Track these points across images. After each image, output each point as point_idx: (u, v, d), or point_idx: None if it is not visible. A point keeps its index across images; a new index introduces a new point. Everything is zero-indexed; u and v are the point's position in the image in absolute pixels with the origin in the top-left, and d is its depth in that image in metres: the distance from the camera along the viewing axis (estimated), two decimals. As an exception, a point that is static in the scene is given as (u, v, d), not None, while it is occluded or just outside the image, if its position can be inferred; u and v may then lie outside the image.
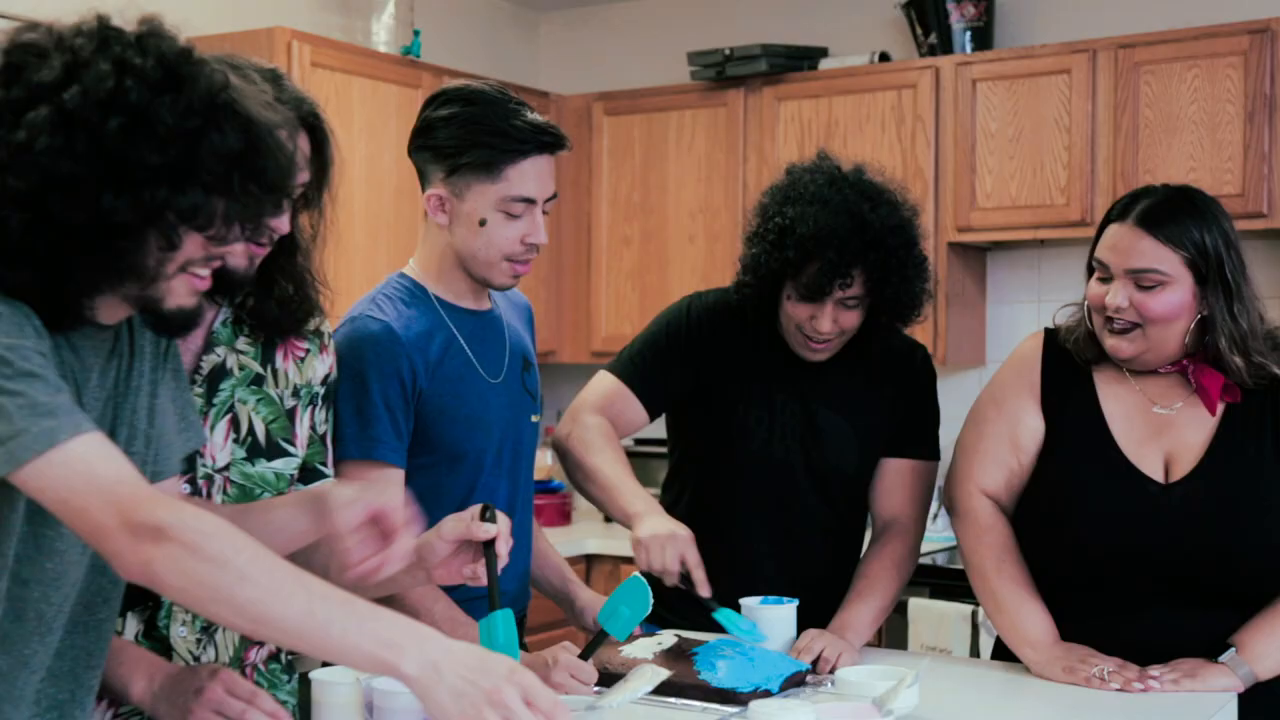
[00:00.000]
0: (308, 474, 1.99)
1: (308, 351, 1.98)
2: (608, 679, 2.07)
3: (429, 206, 2.17)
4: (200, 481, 1.84)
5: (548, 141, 2.13)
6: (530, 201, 2.13)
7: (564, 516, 4.81)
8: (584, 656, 1.96)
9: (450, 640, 1.42)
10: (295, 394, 1.95)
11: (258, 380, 1.91)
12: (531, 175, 2.12)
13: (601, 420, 2.49)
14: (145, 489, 1.39)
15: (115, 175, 1.33)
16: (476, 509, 1.79)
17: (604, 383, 2.55)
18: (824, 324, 2.38)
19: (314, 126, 1.81)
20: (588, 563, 4.45)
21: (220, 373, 1.87)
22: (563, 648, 1.98)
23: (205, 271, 1.46)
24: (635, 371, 2.54)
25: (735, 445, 2.51)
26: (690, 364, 2.53)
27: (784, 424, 2.51)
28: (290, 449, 1.93)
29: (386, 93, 4.19)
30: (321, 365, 2.00)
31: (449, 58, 4.69)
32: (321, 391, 2.00)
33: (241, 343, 1.90)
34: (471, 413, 2.18)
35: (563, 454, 2.50)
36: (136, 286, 1.42)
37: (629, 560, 4.30)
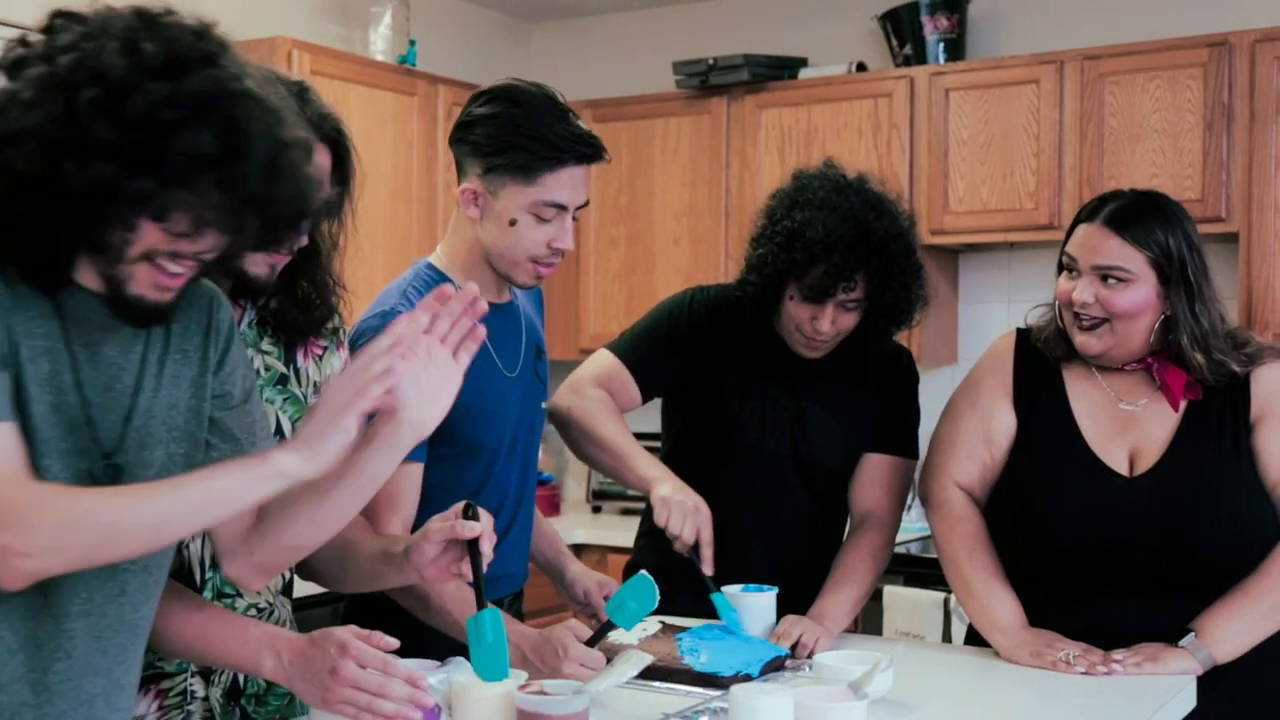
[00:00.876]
0: None
1: (325, 349, 1.97)
2: None
3: (462, 199, 2.13)
4: None
5: (586, 153, 2.09)
6: (562, 208, 2.09)
7: (553, 507, 4.80)
8: (590, 644, 1.96)
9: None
10: (316, 391, 1.94)
11: (283, 380, 1.90)
12: (567, 183, 2.07)
13: (603, 393, 2.48)
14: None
15: (75, 143, 1.32)
16: (459, 507, 1.77)
17: (603, 360, 2.54)
18: (824, 324, 2.39)
19: (335, 141, 1.78)
20: (575, 552, 4.42)
21: None
22: (568, 628, 1.97)
23: (175, 269, 1.42)
24: (634, 353, 2.53)
25: (728, 436, 2.52)
26: (687, 353, 2.53)
27: (775, 417, 2.51)
28: None
29: (383, 100, 4.18)
30: (338, 362, 1.99)
31: (444, 66, 4.67)
32: None
33: (266, 344, 1.89)
34: (490, 407, 2.15)
35: (565, 424, 2.48)
36: (102, 262, 1.41)
37: (616, 550, 4.32)
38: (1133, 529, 2.19)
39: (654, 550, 2.48)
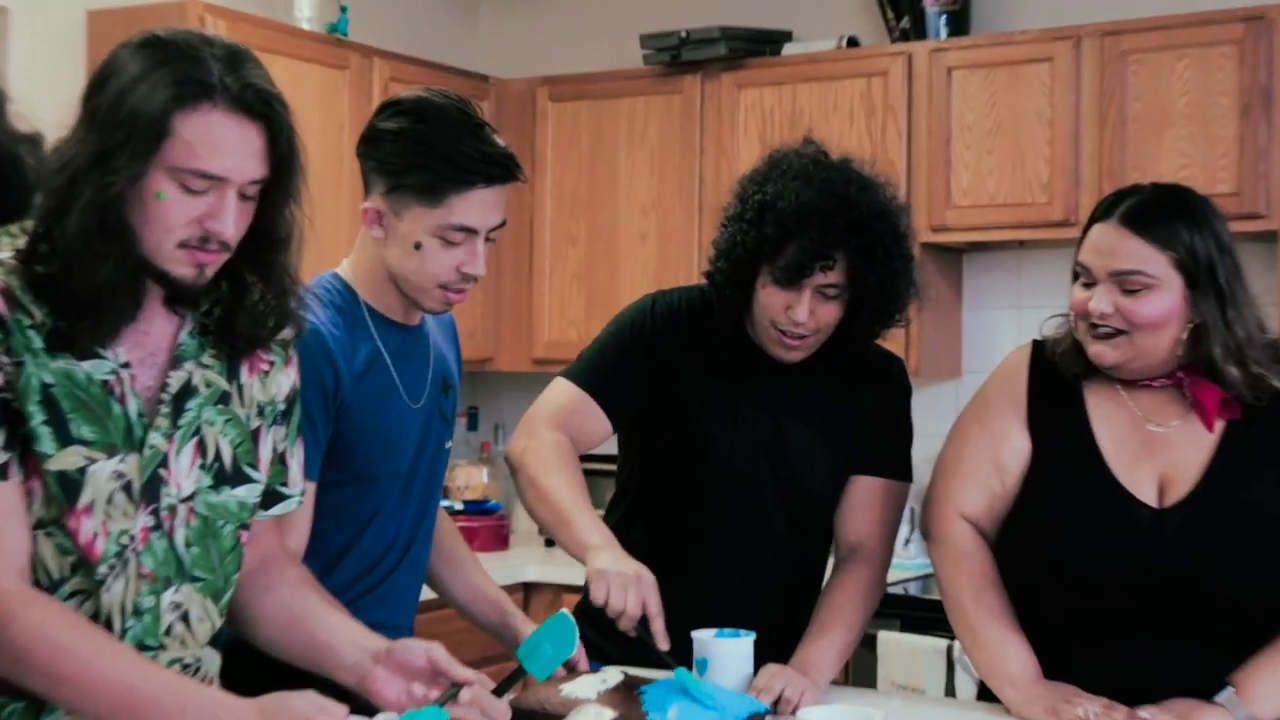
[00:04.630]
0: (269, 498, 1.95)
1: (272, 365, 1.94)
2: None
3: (364, 219, 2.18)
4: (163, 513, 1.79)
5: (497, 174, 2.13)
6: (471, 232, 2.13)
7: (500, 540, 4.76)
8: (498, 693, 1.94)
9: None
10: (260, 412, 1.92)
11: (224, 398, 1.87)
12: (476, 205, 2.12)
13: (560, 437, 2.46)
14: None
15: None
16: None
17: (561, 391, 2.52)
18: (800, 313, 2.37)
19: (267, 116, 1.75)
20: (525, 592, 4.41)
21: (187, 391, 1.82)
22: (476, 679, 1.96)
23: None
24: (596, 378, 2.52)
25: (694, 455, 2.51)
26: (652, 366, 2.52)
27: (749, 435, 2.50)
28: (254, 474, 1.90)
29: (309, 74, 4.15)
30: (286, 380, 1.97)
31: (379, 37, 4.64)
32: (284, 408, 1.97)
33: (207, 357, 1.85)
34: (389, 434, 2.20)
35: (515, 470, 2.48)
36: None
37: (571, 589, 4.28)
38: (1162, 567, 2.18)
39: None
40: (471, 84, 4.69)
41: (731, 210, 2.46)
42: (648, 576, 2.21)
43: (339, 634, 1.90)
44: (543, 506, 2.40)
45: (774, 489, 2.51)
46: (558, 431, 2.46)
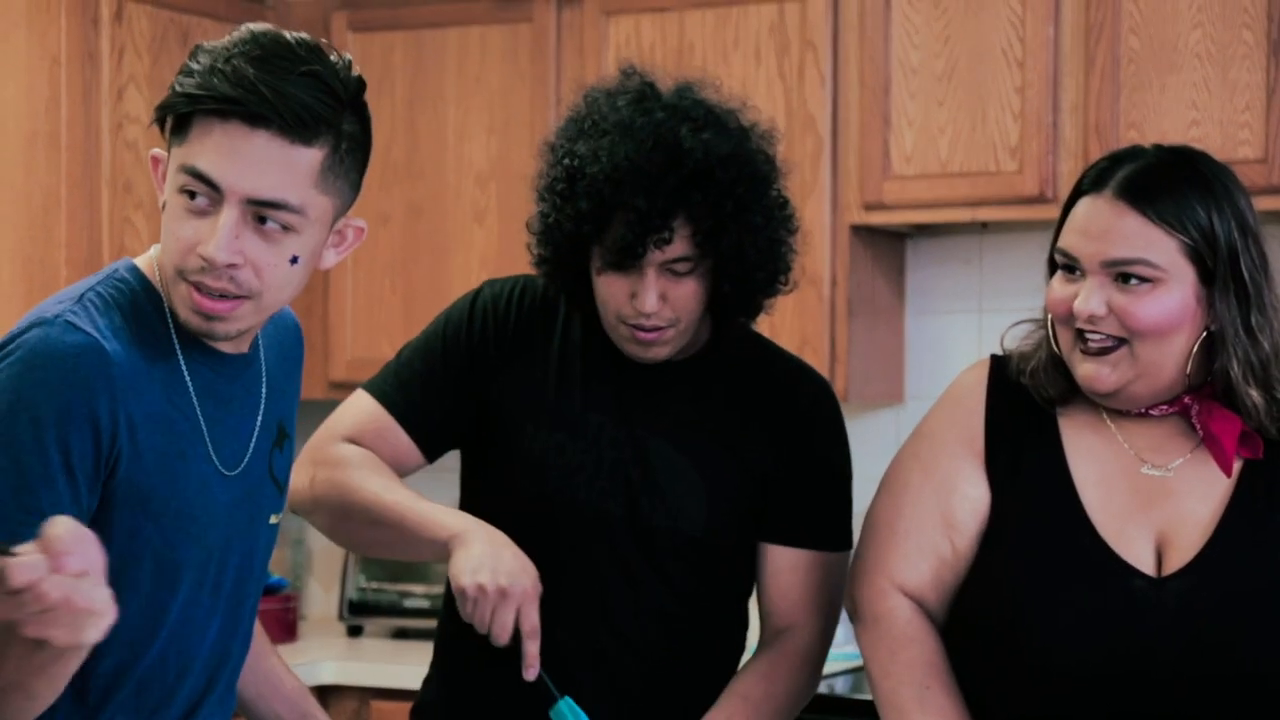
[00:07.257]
0: None
1: None
2: None
3: (154, 174, 2.11)
4: None
5: (227, 96, 1.96)
6: (208, 184, 1.99)
7: (286, 629, 4.72)
8: None
9: None
10: None
11: None
12: (214, 146, 1.98)
13: (358, 448, 2.51)
14: None
15: None
16: None
17: (358, 407, 2.56)
18: (647, 301, 2.41)
19: None
20: (320, 698, 4.37)
21: None
22: None
23: None
24: (402, 391, 2.55)
25: (522, 488, 2.55)
26: (478, 375, 2.56)
27: (599, 457, 2.54)
28: None
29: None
30: None
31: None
32: None
33: None
34: (186, 509, 2.09)
35: (311, 509, 2.51)
36: None
37: (386, 694, 4.26)
38: (1161, 653, 2.22)
39: (447, 683, 2.48)
40: (243, 7, 4.65)
41: (542, 178, 2.52)
42: (517, 586, 2.31)
43: None
44: (369, 526, 2.45)
45: (630, 529, 2.53)
46: (352, 447, 2.51)
